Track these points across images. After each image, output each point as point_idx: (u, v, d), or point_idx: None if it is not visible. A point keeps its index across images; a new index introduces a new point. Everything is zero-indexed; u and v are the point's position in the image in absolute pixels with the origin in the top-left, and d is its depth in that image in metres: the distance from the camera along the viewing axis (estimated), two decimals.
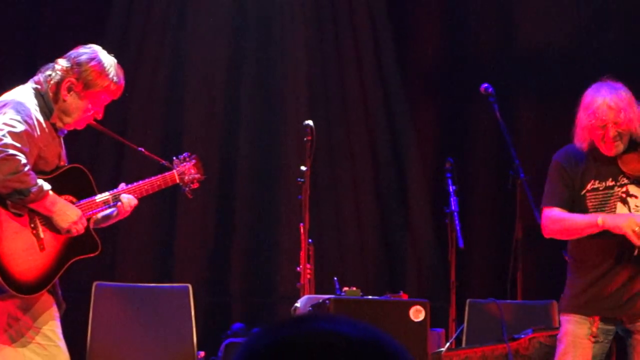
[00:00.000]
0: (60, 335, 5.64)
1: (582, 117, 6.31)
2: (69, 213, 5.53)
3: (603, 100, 6.25)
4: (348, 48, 9.49)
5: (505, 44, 9.62)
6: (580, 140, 6.37)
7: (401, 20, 9.64)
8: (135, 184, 5.93)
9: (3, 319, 5.49)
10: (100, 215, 5.85)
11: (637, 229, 6.07)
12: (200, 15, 9.33)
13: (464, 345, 7.65)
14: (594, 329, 6.28)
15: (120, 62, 5.78)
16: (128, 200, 5.86)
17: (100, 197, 5.75)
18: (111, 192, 5.81)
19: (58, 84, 5.59)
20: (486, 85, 7.91)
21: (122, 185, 5.92)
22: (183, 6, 9.29)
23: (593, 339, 6.29)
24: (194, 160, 6.19)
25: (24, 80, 5.72)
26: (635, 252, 6.16)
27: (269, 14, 9.37)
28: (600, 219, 6.13)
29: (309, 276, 7.21)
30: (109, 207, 5.84)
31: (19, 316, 5.53)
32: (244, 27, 9.36)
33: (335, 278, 7.11)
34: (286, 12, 9.39)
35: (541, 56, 9.49)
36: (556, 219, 6.34)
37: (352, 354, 1.67)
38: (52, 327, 5.62)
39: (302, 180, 7.16)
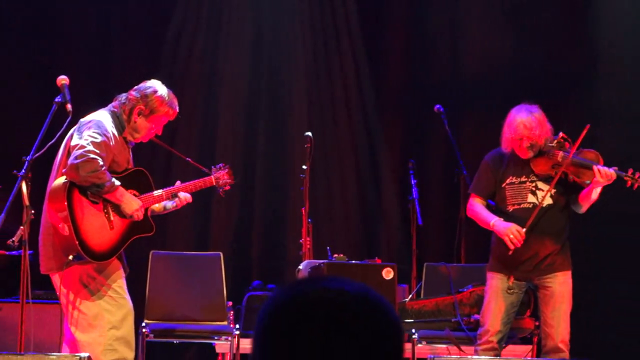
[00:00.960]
0: (126, 291, 5.69)
1: (506, 131, 6.41)
2: (132, 203, 5.62)
3: (521, 120, 6.34)
4: (337, 75, 9.39)
5: (453, 72, 9.46)
6: (504, 146, 6.48)
7: (375, 54, 9.49)
8: (185, 183, 6.03)
9: (83, 278, 5.54)
10: (156, 206, 5.92)
11: (511, 236, 6.19)
12: (228, 54, 9.25)
13: (422, 297, 7.63)
14: (510, 284, 6.36)
15: (171, 82, 5.86)
16: (184, 197, 6.00)
17: (157, 193, 5.84)
18: (165, 189, 5.91)
19: (131, 109, 5.69)
20: (438, 105, 7.98)
21: (178, 183, 6.04)
22: (215, 46, 9.25)
23: (509, 291, 6.37)
24: (227, 169, 6.27)
25: (96, 105, 5.81)
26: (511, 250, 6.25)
27: (278, 51, 9.30)
28: (492, 222, 6.27)
29: (308, 246, 7.19)
30: (171, 201, 5.96)
31: (95, 276, 5.58)
32: (261, 62, 9.29)
33: (328, 248, 7.11)
34: (293, 51, 9.32)
35: (480, 81, 9.35)
36: (472, 209, 6.50)
37: (350, 304, 1.66)
38: (120, 285, 5.66)
39: (304, 175, 7.17)
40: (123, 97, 5.77)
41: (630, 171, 6.25)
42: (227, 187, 6.30)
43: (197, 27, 9.24)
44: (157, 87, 5.80)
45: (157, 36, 9.18)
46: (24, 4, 9.03)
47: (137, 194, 5.74)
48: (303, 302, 1.67)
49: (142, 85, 5.80)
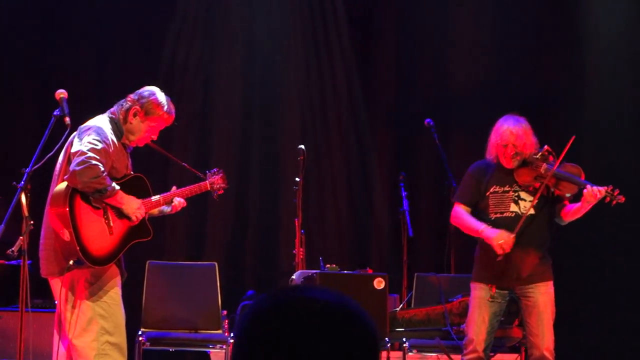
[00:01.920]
0: (120, 297, 5.67)
1: (492, 138, 6.44)
2: (133, 204, 5.64)
3: (507, 127, 6.38)
4: (329, 90, 9.43)
5: (441, 88, 9.51)
6: (489, 154, 6.51)
7: (367, 69, 9.53)
8: (181, 189, 6.05)
9: (81, 283, 5.54)
10: (156, 210, 5.97)
11: (501, 241, 6.22)
12: (222, 61, 9.30)
13: (412, 306, 7.66)
14: (492, 293, 6.39)
15: (167, 93, 5.89)
16: (179, 202, 6.04)
17: (155, 198, 5.86)
18: (162, 194, 5.92)
19: (127, 110, 5.72)
20: (428, 120, 8.01)
21: (174, 188, 6.06)
22: (213, 54, 9.30)
23: (491, 300, 6.42)
24: (221, 174, 6.27)
25: (94, 111, 5.85)
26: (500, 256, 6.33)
27: (271, 66, 9.33)
28: (481, 229, 6.29)
29: (301, 256, 7.15)
30: (166, 205, 6.00)
31: (92, 282, 5.57)
32: (254, 76, 9.33)
33: (321, 258, 7.14)
34: (285, 66, 9.35)
35: (469, 96, 9.40)
36: (457, 216, 6.50)
37: (329, 314, 1.68)
38: (115, 292, 5.65)
39: (297, 187, 7.14)
40: (122, 101, 5.82)
41: (609, 188, 6.29)
42: (221, 191, 6.30)
43: (192, 40, 9.29)
44: (155, 91, 5.84)
45: (154, 45, 9.24)
46: (22, 19, 9.06)
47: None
48: (280, 309, 1.69)
49: (141, 89, 5.85)
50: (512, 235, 6.23)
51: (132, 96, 5.79)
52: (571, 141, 6.34)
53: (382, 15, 9.72)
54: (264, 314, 1.70)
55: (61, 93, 5.66)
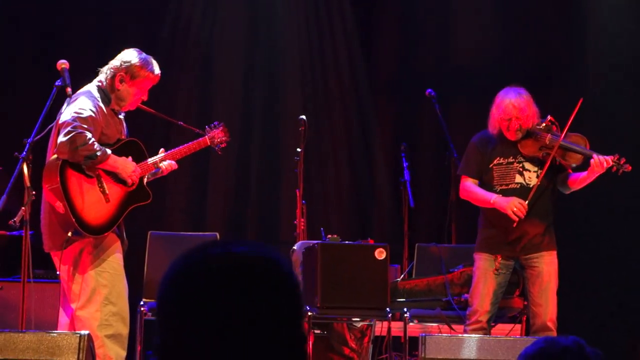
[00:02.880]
0: (122, 267, 5.72)
1: (494, 112, 6.44)
2: (127, 166, 5.67)
3: (509, 101, 6.37)
4: (330, 60, 9.38)
5: (444, 58, 9.48)
6: (492, 127, 6.49)
7: (369, 39, 9.53)
8: (175, 149, 6.03)
9: (82, 254, 5.58)
10: (150, 173, 5.94)
11: (515, 209, 6.22)
12: (225, 31, 9.27)
13: (413, 276, 7.61)
14: (497, 264, 6.38)
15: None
16: (168, 164, 5.97)
17: (151, 160, 5.87)
18: (158, 156, 5.93)
19: (112, 78, 5.72)
20: (429, 90, 7.97)
21: (162, 150, 6.02)
22: (210, 32, 9.23)
23: (497, 271, 6.41)
24: (221, 127, 6.27)
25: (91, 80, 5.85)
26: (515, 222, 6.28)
27: (273, 35, 9.29)
28: (493, 199, 6.31)
29: (302, 227, 7.18)
30: (155, 169, 5.94)
31: (94, 252, 5.61)
32: (256, 45, 9.29)
33: (322, 228, 7.08)
34: (287, 36, 9.32)
35: (470, 67, 9.37)
36: (467, 189, 6.50)
37: (248, 268, 1.66)
38: (117, 261, 5.70)
39: (298, 158, 7.15)
40: (105, 68, 5.81)
41: (616, 157, 6.28)
42: (224, 145, 6.30)
43: (193, 6, 9.25)
44: (135, 53, 5.82)
45: (155, 21, 9.18)
46: None
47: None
48: (200, 263, 1.67)
49: (122, 54, 5.84)
50: (525, 202, 6.25)
51: (114, 62, 5.78)
52: (580, 103, 6.32)
53: None
54: (187, 272, 1.68)
55: (63, 63, 5.67)
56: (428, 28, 9.58)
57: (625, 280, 8.69)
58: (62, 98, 5.60)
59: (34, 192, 5.47)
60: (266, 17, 9.34)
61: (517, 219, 6.24)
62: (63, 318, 5.69)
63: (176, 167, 6.08)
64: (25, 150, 5.49)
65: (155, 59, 5.92)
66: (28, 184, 5.44)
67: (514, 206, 6.25)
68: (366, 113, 9.42)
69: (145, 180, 5.85)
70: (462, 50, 9.52)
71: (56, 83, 5.62)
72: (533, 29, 9.38)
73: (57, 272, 5.71)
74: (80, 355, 4.98)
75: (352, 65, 9.43)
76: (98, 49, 8.92)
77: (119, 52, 5.86)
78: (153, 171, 5.95)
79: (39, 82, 8.36)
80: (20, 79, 8.85)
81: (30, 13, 8.98)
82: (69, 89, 5.54)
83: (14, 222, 5.48)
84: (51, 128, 5.60)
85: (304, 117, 7.25)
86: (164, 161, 5.98)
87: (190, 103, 9.03)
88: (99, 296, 5.58)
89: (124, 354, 5.67)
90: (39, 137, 5.54)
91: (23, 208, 5.45)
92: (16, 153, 5.52)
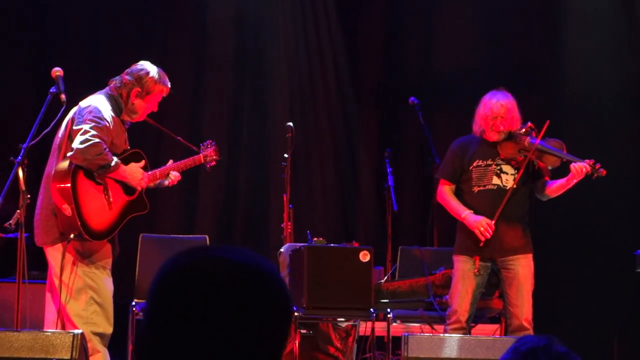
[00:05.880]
0: (109, 270, 5.77)
1: (481, 110, 6.47)
2: (136, 174, 5.76)
3: (497, 100, 6.43)
4: (317, 69, 9.40)
5: (426, 68, 9.53)
6: (476, 126, 6.53)
7: (355, 49, 9.55)
8: (176, 163, 6.13)
9: (74, 255, 5.62)
10: (151, 183, 6.01)
11: (482, 229, 6.27)
12: (214, 40, 9.29)
13: (397, 278, 7.65)
14: (476, 266, 6.44)
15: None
16: (175, 176, 6.12)
17: (151, 172, 5.94)
18: (159, 168, 6.01)
19: (128, 93, 5.77)
20: (412, 98, 7.96)
21: (171, 161, 6.14)
22: (204, 37, 9.29)
23: (476, 272, 6.46)
24: (213, 146, 6.39)
25: (88, 88, 5.88)
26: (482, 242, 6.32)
27: (262, 45, 9.29)
28: (464, 214, 6.38)
29: (289, 230, 7.19)
30: (162, 179, 6.06)
31: (86, 254, 5.66)
32: (244, 54, 9.30)
33: (308, 232, 7.10)
34: (275, 44, 9.31)
35: (452, 77, 9.39)
36: (442, 196, 6.58)
37: (239, 275, 1.63)
38: (107, 263, 5.75)
39: (285, 164, 7.15)
40: (117, 80, 5.84)
41: (591, 161, 6.32)
42: (213, 163, 6.41)
43: (183, 26, 9.28)
44: (149, 68, 5.87)
45: (145, 26, 9.20)
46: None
47: None
48: (189, 270, 1.65)
49: (134, 67, 5.87)
50: (492, 222, 6.29)
51: (127, 77, 5.81)
52: (546, 125, 6.40)
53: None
54: (174, 275, 1.66)
55: (57, 71, 5.71)
56: (411, 39, 9.62)
57: (598, 278, 8.74)
58: (56, 104, 5.61)
59: (28, 196, 5.50)
60: (255, 27, 9.35)
61: (483, 239, 6.29)
62: (50, 314, 5.73)
63: (180, 178, 6.20)
64: (21, 154, 5.50)
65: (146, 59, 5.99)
66: (23, 187, 5.46)
67: (482, 226, 6.30)
68: (352, 120, 9.45)
69: (143, 190, 5.91)
70: (443, 60, 9.55)
71: (51, 90, 5.64)
72: (512, 40, 9.42)
73: (49, 267, 5.75)
74: (74, 353, 5.00)
75: (338, 74, 9.46)
76: (89, 52, 8.95)
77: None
78: (159, 181, 6.05)
79: (33, 89, 8.39)
80: (15, 87, 8.83)
81: (25, 23, 8.97)
82: (63, 96, 5.58)
83: (10, 224, 5.52)
84: (47, 134, 5.61)
85: (291, 124, 7.27)
86: (171, 172, 6.10)
87: (181, 110, 9.01)
88: (85, 295, 5.63)
89: (106, 352, 5.73)
90: (34, 142, 5.55)
91: (18, 211, 5.48)
92: (12, 157, 5.53)
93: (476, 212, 6.40)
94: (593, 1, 9.17)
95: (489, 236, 6.29)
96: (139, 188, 5.79)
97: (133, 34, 9.09)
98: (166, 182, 6.14)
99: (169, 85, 5.91)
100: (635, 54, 9.10)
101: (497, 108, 6.38)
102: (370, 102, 9.66)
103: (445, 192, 6.56)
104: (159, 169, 6.02)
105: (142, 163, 5.89)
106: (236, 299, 1.60)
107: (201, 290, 1.60)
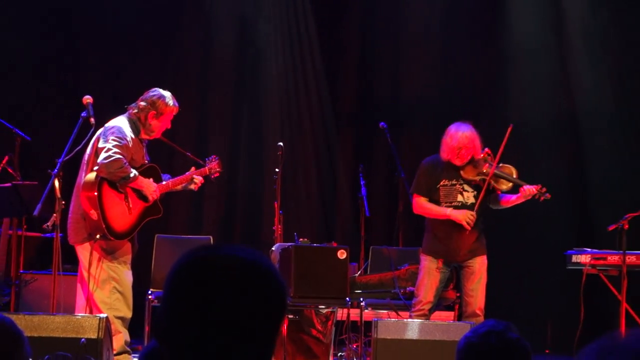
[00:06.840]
0: (129, 264, 5.83)
1: (448, 141, 6.41)
2: (151, 187, 5.83)
3: (463, 132, 6.38)
4: (303, 97, 9.42)
5: (395, 95, 9.54)
6: (444, 154, 6.49)
7: (334, 81, 9.57)
8: (185, 174, 6.17)
9: (100, 251, 5.68)
10: (180, 187, 6.12)
11: (468, 220, 6.29)
12: (214, 68, 9.31)
13: (368, 272, 7.67)
14: (440, 265, 6.47)
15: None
16: (199, 180, 6.19)
17: (164, 183, 5.99)
18: (170, 180, 6.06)
19: (145, 115, 5.84)
20: (382, 123, 7.93)
21: (193, 168, 6.23)
22: (207, 59, 9.33)
23: (439, 270, 6.50)
24: (217, 160, 6.43)
25: (110, 112, 5.94)
26: (468, 230, 6.40)
27: (258, 76, 9.33)
28: (449, 212, 6.34)
29: (279, 232, 7.14)
30: (189, 183, 6.13)
31: (110, 250, 5.74)
32: (244, 86, 9.33)
33: (295, 233, 7.00)
34: (269, 74, 9.35)
35: (416, 104, 9.41)
36: (421, 206, 6.50)
37: (244, 269, 1.58)
38: (127, 259, 5.82)
39: (276, 177, 7.13)
40: (134, 106, 5.92)
41: (539, 186, 6.36)
42: (217, 174, 6.44)
43: (189, 54, 9.30)
44: (160, 92, 5.95)
45: (157, 62, 9.23)
46: (50, 45, 9.04)
47: None
48: (200, 264, 1.58)
49: (147, 94, 5.94)
50: (473, 212, 6.32)
51: (142, 103, 5.88)
52: (508, 133, 6.41)
53: (346, 39, 9.78)
54: (188, 267, 1.58)
55: (87, 99, 5.77)
56: (382, 73, 9.65)
57: (536, 273, 8.81)
58: (86, 126, 5.67)
59: (63, 202, 5.58)
60: (253, 59, 9.42)
61: (469, 227, 6.31)
62: (80, 301, 5.79)
63: (203, 181, 6.28)
64: (57, 168, 5.57)
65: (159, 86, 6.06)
66: (59, 195, 5.54)
67: (467, 218, 6.33)
68: (331, 140, 9.49)
69: (159, 198, 5.96)
70: (408, 91, 9.56)
71: (82, 114, 5.70)
72: (465, 74, 9.45)
73: (79, 262, 5.79)
74: (100, 333, 5.08)
75: (320, 101, 9.49)
76: (110, 76, 8.98)
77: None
78: (184, 184, 6.12)
79: (63, 113, 8.42)
80: (53, 112, 8.88)
81: (59, 60, 9.02)
82: (92, 119, 5.64)
83: (47, 226, 5.59)
84: (78, 151, 5.66)
85: (281, 143, 7.26)
86: (195, 177, 6.16)
87: (187, 131, 9.01)
88: (109, 285, 5.69)
89: (127, 332, 5.77)
90: (68, 157, 5.62)
91: (54, 215, 5.56)
92: (49, 170, 5.58)
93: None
94: (533, 41, 9.22)
95: (472, 225, 6.28)
96: (151, 199, 5.82)
97: (149, 68, 9.12)
98: (191, 186, 6.19)
99: (177, 105, 5.97)
100: (566, 90, 9.18)
101: (462, 140, 6.34)
102: (347, 126, 9.70)
103: (422, 202, 6.51)
104: (171, 180, 6.05)
105: (155, 176, 5.94)
106: (243, 288, 1.56)
107: (211, 281, 1.55)
